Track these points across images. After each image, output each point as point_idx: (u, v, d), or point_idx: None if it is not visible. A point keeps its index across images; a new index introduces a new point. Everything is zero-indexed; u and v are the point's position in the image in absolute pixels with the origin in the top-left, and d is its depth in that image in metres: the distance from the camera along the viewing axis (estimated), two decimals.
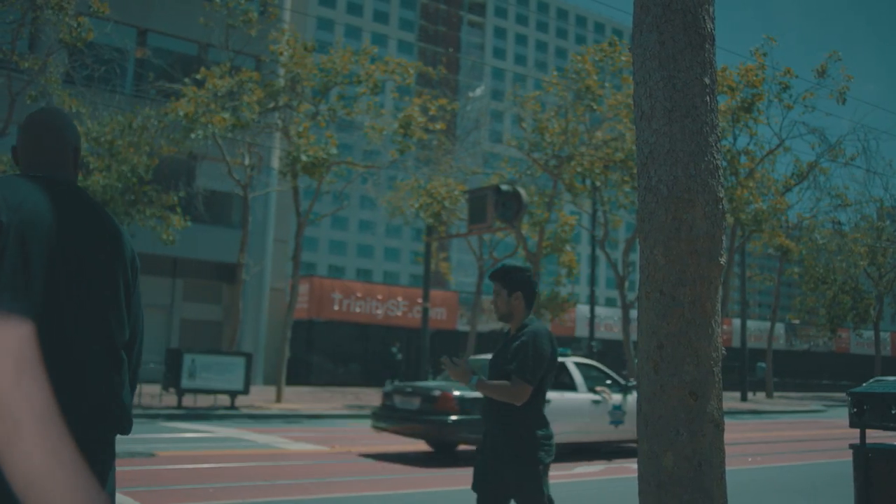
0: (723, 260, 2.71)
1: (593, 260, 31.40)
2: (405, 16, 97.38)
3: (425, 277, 25.09)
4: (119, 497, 7.68)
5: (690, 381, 2.61)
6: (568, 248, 29.66)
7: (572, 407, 12.54)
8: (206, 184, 25.81)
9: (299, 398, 23.66)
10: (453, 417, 11.34)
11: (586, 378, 13.11)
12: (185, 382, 18.12)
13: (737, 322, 40.71)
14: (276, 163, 26.54)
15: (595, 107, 25.16)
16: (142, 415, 16.74)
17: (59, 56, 19.44)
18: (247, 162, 22.68)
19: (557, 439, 13.06)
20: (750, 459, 13.17)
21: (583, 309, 38.12)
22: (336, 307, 33.12)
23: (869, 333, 46.68)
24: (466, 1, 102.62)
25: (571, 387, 12.85)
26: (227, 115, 20.11)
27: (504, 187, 20.41)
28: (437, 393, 11.63)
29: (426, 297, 24.72)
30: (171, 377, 18.38)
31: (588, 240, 36.34)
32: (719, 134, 2.78)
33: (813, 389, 48.21)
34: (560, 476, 10.67)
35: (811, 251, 40.58)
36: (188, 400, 18.96)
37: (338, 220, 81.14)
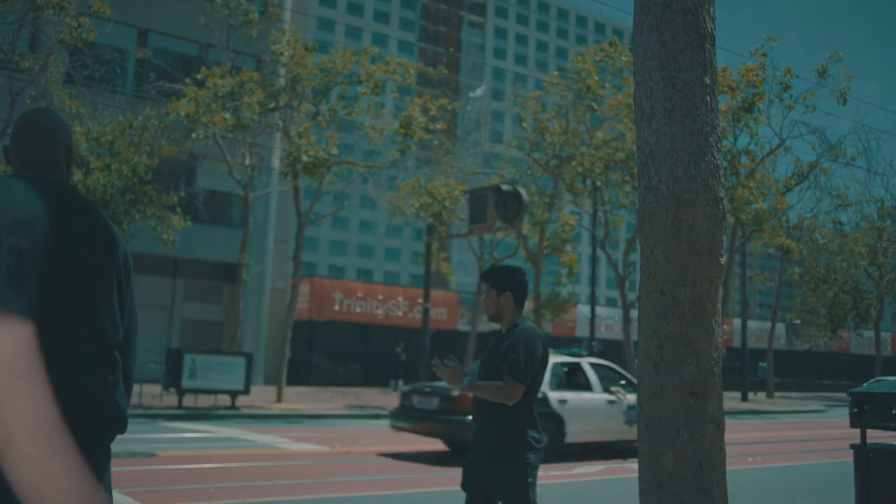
0: (723, 260, 2.71)
1: (594, 260, 31.40)
2: (406, 16, 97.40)
3: (426, 277, 25.09)
4: (120, 497, 7.68)
5: (691, 381, 2.62)
6: (568, 248, 29.66)
7: (588, 407, 12.65)
8: (206, 184, 25.81)
9: (300, 398, 23.66)
10: (469, 417, 11.34)
11: (601, 378, 13.21)
12: (186, 382, 18.11)
13: (737, 322, 40.70)
14: (276, 163, 26.55)
15: (595, 107, 25.15)
16: (142, 415, 16.74)
17: (60, 56, 19.45)
18: (247, 162, 22.68)
19: (575, 438, 13.09)
20: (751, 459, 13.17)
21: (583, 309, 38.11)
22: (337, 307, 33.11)
23: (869, 333, 46.67)
24: (467, 1, 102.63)
25: (587, 387, 12.99)
26: (227, 116, 20.11)
27: (504, 187, 20.42)
28: (455, 393, 11.68)
29: (427, 298, 24.72)
30: (172, 377, 18.38)
31: (589, 240, 36.35)
32: (720, 134, 2.78)
33: (813, 389, 48.20)
34: (560, 476, 10.67)
35: (812, 251, 40.57)
36: (189, 400, 18.97)
37: (338, 220, 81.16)
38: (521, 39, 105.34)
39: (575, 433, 12.38)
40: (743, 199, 27.67)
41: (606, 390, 13.00)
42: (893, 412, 4.60)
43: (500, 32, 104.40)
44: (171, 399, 19.08)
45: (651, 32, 2.76)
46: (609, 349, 35.44)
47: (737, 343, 39.12)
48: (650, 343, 2.69)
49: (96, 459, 1.96)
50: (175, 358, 18.46)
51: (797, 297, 49.50)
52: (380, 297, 34.68)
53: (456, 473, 10.54)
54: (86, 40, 18.10)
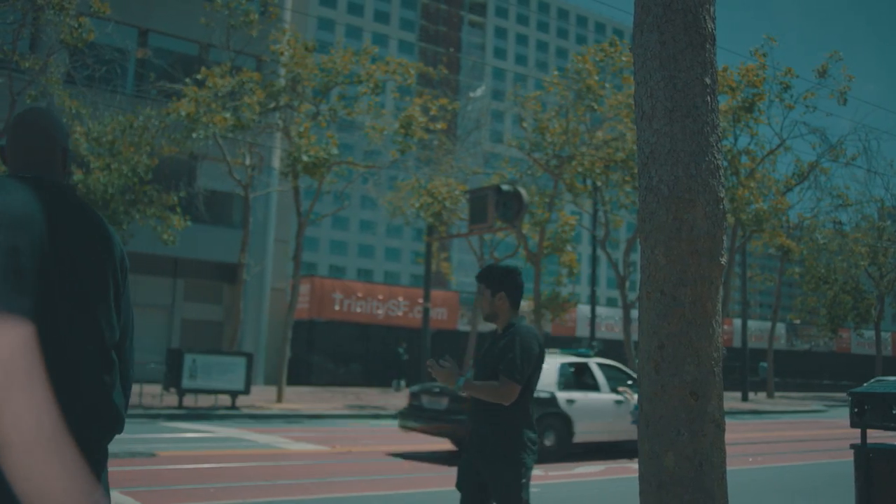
0: (723, 260, 2.71)
1: (594, 260, 31.40)
2: (406, 16, 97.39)
3: (426, 277, 25.10)
4: (120, 497, 7.68)
5: (691, 381, 2.61)
6: (569, 248, 29.65)
7: (596, 407, 12.73)
8: (206, 184, 25.81)
9: (300, 398, 23.66)
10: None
11: (608, 378, 13.28)
12: (186, 382, 18.12)
13: (738, 322, 40.69)
14: (276, 163, 26.55)
15: (596, 107, 25.16)
16: (143, 415, 16.74)
17: (60, 56, 19.44)
18: (248, 162, 22.68)
19: (583, 438, 13.16)
20: (751, 459, 13.17)
21: (584, 309, 38.11)
22: (337, 307, 33.11)
23: (870, 333, 46.67)
24: (467, 1, 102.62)
25: (595, 387, 13.09)
26: (227, 115, 20.11)
27: (505, 187, 20.42)
28: (465, 393, 11.65)
29: (427, 298, 24.73)
30: (172, 377, 18.38)
31: (589, 240, 36.35)
32: (720, 134, 2.78)
33: (814, 389, 48.19)
34: (561, 476, 10.67)
35: (812, 251, 40.56)
36: (189, 400, 18.97)
37: (338, 220, 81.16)
38: (522, 39, 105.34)
39: (583, 433, 12.47)
40: (743, 199, 27.67)
41: (614, 390, 13.06)
42: (894, 412, 4.60)
43: (501, 32, 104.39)
44: (172, 399, 19.08)
45: (651, 32, 2.76)
46: (609, 349, 35.42)
47: (737, 343, 39.11)
48: (650, 343, 2.69)
49: (94, 459, 1.96)
50: (175, 358, 18.46)
51: (797, 297, 49.49)
52: (380, 297, 34.68)
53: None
54: (86, 40, 18.10)
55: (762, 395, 39.28)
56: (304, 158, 20.59)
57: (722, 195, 2.71)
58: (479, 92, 79.43)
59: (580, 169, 25.36)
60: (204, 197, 24.99)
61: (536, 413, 12.07)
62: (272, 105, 21.45)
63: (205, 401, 19.41)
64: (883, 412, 4.65)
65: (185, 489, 8.70)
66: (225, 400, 19.22)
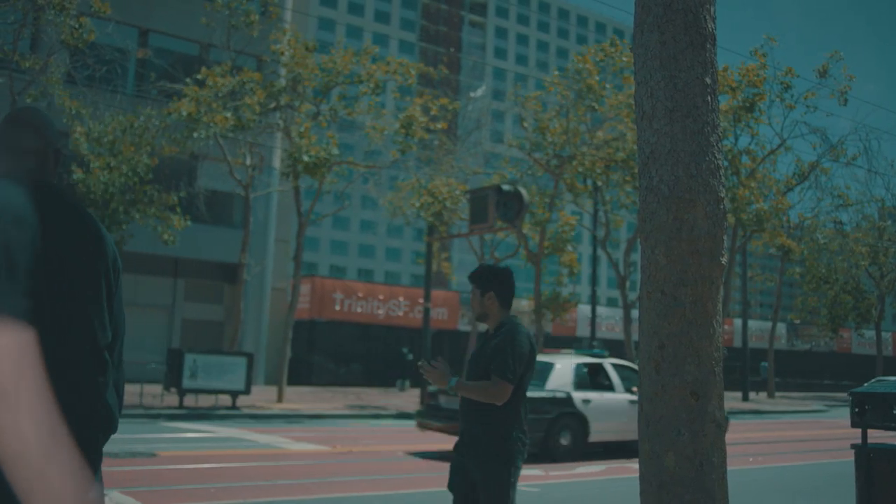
0: (724, 260, 2.71)
1: (595, 260, 31.39)
2: (406, 16, 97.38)
3: (427, 277, 25.09)
4: (120, 497, 7.69)
5: (692, 381, 2.61)
6: (569, 248, 29.65)
7: (611, 407, 12.81)
8: (207, 184, 25.81)
9: (301, 398, 23.66)
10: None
11: (623, 378, 13.37)
12: (187, 382, 18.12)
13: (738, 322, 40.68)
14: (277, 163, 26.55)
15: (596, 107, 25.16)
16: (143, 415, 16.75)
17: (61, 56, 19.45)
18: (248, 162, 22.68)
19: (598, 437, 13.35)
20: (751, 459, 13.17)
21: (584, 309, 38.10)
22: (337, 307, 33.11)
23: (870, 333, 46.66)
24: (467, 1, 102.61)
25: (610, 387, 13.21)
26: (228, 115, 20.11)
27: (505, 187, 20.41)
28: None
29: (427, 298, 24.72)
30: (173, 377, 18.38)
31: (589, 240, 36.35)
32: (720, 134, 2.78)
33: (814, 389, 48.19)
34: (561, 476, 10.68)
35: (812, 251, 40.54)
36: (189, 400, 18.97)
37: (339, 220, 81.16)
38: (522, 39, 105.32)
39: (598, 432, 12.59)
40: (744, 199, 27.66)
41: (628, 390, 13.13)
42: (894, 412, 4.60)
43: (501, 32, 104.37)
44: (172, 399, 19.09)
45: (652, 32, 2.76)
46: (610, 349, 35.33)
47: (738, 343, 39.10)
48: (651, 343, 2.69)
49: (89, 459, 1.96)
50: (176, 358, 18.46)
51: (798, 297, 49.47)
52: (381, 297, 34.68)
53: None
54: (87, 40, 18.11)
55: (763, 394, 39.27)
56: (305, 158, 20.59)
57: (722, 195, 2.71)
58: (479, 92, 79.43)
59: (581, 169, 25.36)
60: (204, 197, 24.99)
61: (553, 413, 12.37)
62: (273, 105, 21.46)
63: (205, 401, 19.41)
64: (884, 412, 4.65)
65: (186, 489, 8.70)
66: (225, 400, 19.22)
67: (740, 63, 26.29)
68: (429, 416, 12.75)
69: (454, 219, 27.35)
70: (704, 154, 2.68)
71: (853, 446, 4.76)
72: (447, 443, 13.06)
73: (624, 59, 24.97)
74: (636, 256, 33.74)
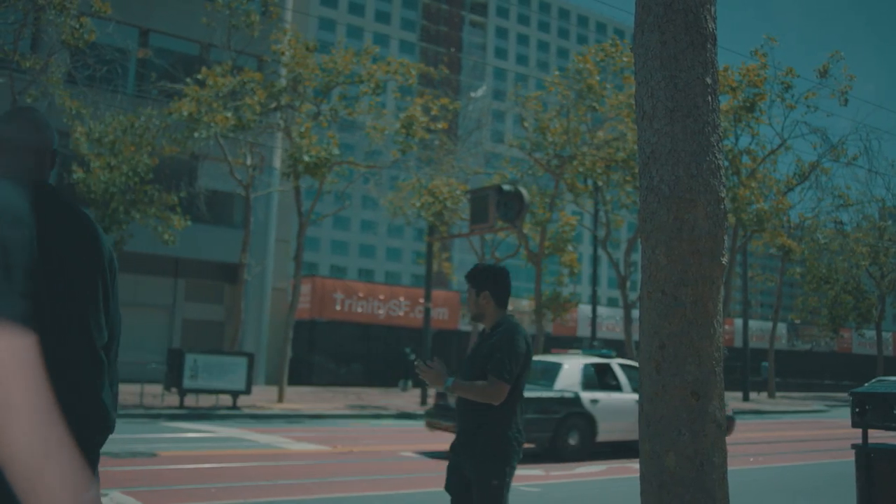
0: (725, 260, 2.71)
1: (595, 260, 31.39)
2: (407, 16, 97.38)
3: (427, 277, 25.09)
4: (121, 497, 7.70)
5: (692, 381, 2.61)
6: (570, 248, 29.65)
7: (619, 407, 12.87)
8: (208, 184, 25.81)
9: (301, 398, 23.66)
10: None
11: (630, 379, 13.47)
12: (187, 382, 18.12)
13: (739, 322, 40.67)
14: (278, 163, 26.55)
15: (597, 107, 25.16)
16: (144, 415, 16.76)
17: (61, 56, 19.45)
18: (249, 162, 22.68)
19: (606, 437, 13.51)
20: (752, 459, 13.17)
21: (585, 309, 38.10)
22: (338, 307, 33.11)
23: (871, 333, 46.66)
24: (468, 1, 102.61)
25: (617, 387, 13.32)
26: (229, 115, 20.11)
27: (506, 187, 20.41)
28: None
29: (428, 298, 24.72)
30: (173, 377, 18.38)
31: (590, 240, 36.35)
32: (721, 134, 2.78)
33: (815, 389, 48.18)
34: (562, 476, 10.68)
35: (813, 251, 40.54)
36: (190, 400, 18.98)
37: (340, 220, 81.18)
38: (523, 39, 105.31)
39: (606, 432, 12.67)
40: (744, 199, 27.66)
41: (635, 390, 13.15)
42: (895, 412, 4.60)
43: (502, 32, 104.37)
44: (173, 399, 19.09)
45: (652, 32, 2.76)
46: (610, 349, 35.44)
47: (738, 343, 39.10)
48: (652, 343, 2.69)
49: (87, 460, 1.96)
50: (176, 358, 18.46)
51: (798, 297, 49.47)
52: (381, 297, 34.68)
53: None
54: (87, 41, 18.10)
55: (763, 395, 39.27)
56: (306, 158, 20.59)
57: (723, 195, 2.71)
58: (480, 92, 79.43)
59: (581, 169, 25.36)
60: (205, 197, 24.99)
61: (562, 412, 12.45)
62: (273, 105, 21.46)
63: (206, 401, 19.41)
64: (884, 412, 4.65)
65: (187, 489, 8.70)
66: (226, 400, 19.22)
67: (741, 63, 26.30)
68: (438, 415, 12.77)
69: (455, 219, 27.36)
70: (705, 154, 2.68)
71: (854, 446, 4.76)
72: (448, 443, 13.10)
73: (624, 59, 24.97)
74: (637, 256, 33.72)
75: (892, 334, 52.70)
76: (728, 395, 23.51)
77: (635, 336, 26.70)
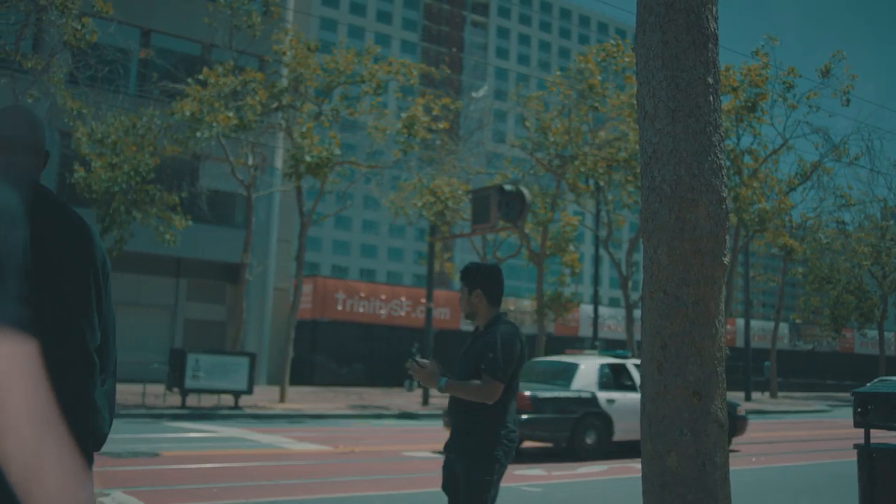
0: (726, 260, 2.71)
1: (597, 260, 31.36)
2: (408, 16, 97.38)
3: (429, 277, 25.09)
4: (124, 496, 7.70)
5: (694, 381, 2.61)
6: (571, 248, 29.63)
7: (634, 406, 12.85)
8: (209, 184, 25.82)
9: (303, 398, 23.67)
10: (525, 416, 11.93)
11: None
12: (189, 382, 18.13)
13: (741, 322, 40.64)
14: (279, 163, 26.55)
15: (598, 107, 25.15)
16: (146, 414, 16.77)
17: (63, 56, 19.46)
18: (250, 162, 22.69)
19: (622, 436, 13.71)
20: (754, 459, 13.16)
21: (586, 309, 38.08)
22: (340, 307, 33.12)
23: (873, 333, 46.60)
24: (469, 1, 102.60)
25: (633, 387, 13.40)
26: (230, 115, 20.11)
27: (507, 187, 20.40)
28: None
29: (430, 297, 24.72)
30: (175, 377, 18.39)
31: (591, 240, 36.34)
32: (723, 134, 2.78)
33: (817, 389, 48.13)
34: (563, 476, 10.67)
35: (815, 251, 40.50)
36: (192, 400, 18.98)
37: (341, 220, 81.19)
38: (524, 39, 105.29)
39: (622, 431, 12.79)
40: (746, 199, 27.63)
41: None
42: None
43: (503, 32, 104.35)
44: (175, 399, 19.10)
45: (654, 32, 2.76)
46: (612, 349, 35.42)
47: (740, 343, 39.06)
48: (653, 343, 2.69)
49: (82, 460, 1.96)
50: (178, 358, 18.47)
51: (800, 296, 49.43)
52: (383, 297, 34.68)
53: None
54: (89, 41, 18.10)
55: (765, 395, 39.24)
56: (307, 159, 20.59)
57: (725, 195, 2.71)
58: (481, 92, 79.39)
59: (583, 169, 25.35)
60: (207, 197, 25.00)
61: (579, 412, 12.62)
62: (275, 105, 21.46)
63: (208, 401, 19.42)
64: (886, 412, 4.65)
65: (189, 489, 8.71)
66: (228, 400, 19.23)
67: (742, 63, 26.29)
68: None
69: (456, 219, 27.35)
70: (707, 154, 2.68)
71: (856, 446, 4.76)
72: None
73: (626, 58, 24.96)
74: (638, 256, 33.74)
75: (894, 334, 52.63)
76: (730, 395, 23.55)
77: (637, 336, 26.71)
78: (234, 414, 17.93)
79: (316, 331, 32.60)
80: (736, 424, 14.83)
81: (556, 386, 12.93)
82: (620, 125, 25.05)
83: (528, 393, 12.29)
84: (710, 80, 2.73)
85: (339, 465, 11.18)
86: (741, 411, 15.43)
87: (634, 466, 11.05)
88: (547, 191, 28.72)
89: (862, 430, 4.76)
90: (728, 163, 26.49)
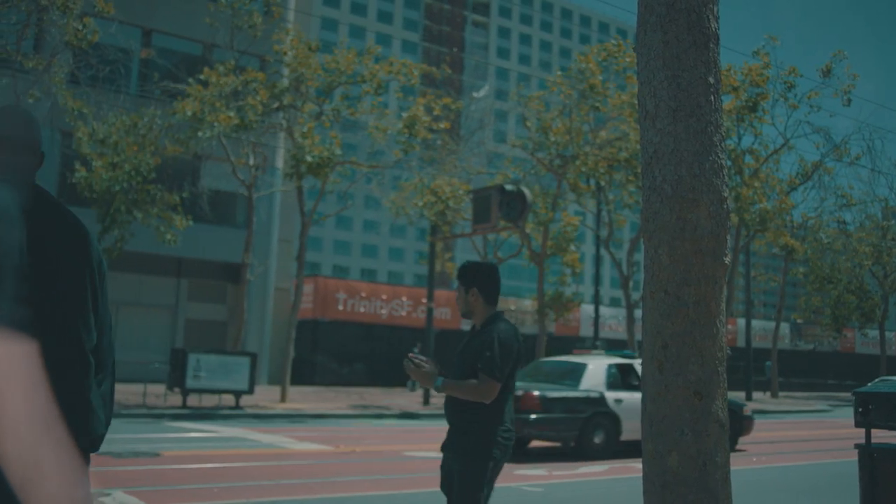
0: (727, 259, 2.71)
1: (598, 259, 31.37)
2: (409, 16, 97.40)
3: (430, 277, 25.10)
4: (124, 496, 7.71)
5: (695, 381, 2.61)
6: (572, 247, 29.62)
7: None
8: (210, 184, 25.83)
9: (304, 398, 23.67)
10: (534, 416, 12.17)
11: None
12: (190, 382, 18.13)
13: (742, 322, 40.63)
14: (280, 163, 26.55)
15: (599, 106, 25.14)
16: (147, 414, 16.78)
17: (64, 56, 19.46)
18: (251, 162, 22.70)
19: (630, 436, 13.91)
20: (755, 459, 13.16)
21: (587, 308, 38.07)
22: (340, 307, 33.13)
23: (874, 333, 46.58)
24: (470, 1, 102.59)
25: (640, 388, 13.23)
26: (232, 114, 20.12)
27: (508, 187, 20.40)
28: (519, 393, 12.33)
29: (430, 297, 24.72)
30: (176, 377, 18.39)
31: (592, 239, 36.33)
32: (724, 133, 2.78)
33: (818, 389, 48.11)
34: (564, 476, 10.67)
35: (816, 251, 40.49)
36: (193, 400, 18.99)
37: (342, 219, 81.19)
38: (525, 39, 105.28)
39: (630, 431, 12.85)
40: (747, 199, 27.62)
41: None
42: None
43: (504, 32, 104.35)
44: (176, 399, 19.11)
45: (655, 32, 2.76)
46: (613, 349, 35.40)
47: (741, 343, 39.06)
48: (654, 343, 2.69)
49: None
50: (179, 358, 18.47)
51: (801, 296, 49.41)
52: (384, 296, 34.68)
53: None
54: (90, 41, 18.11)
55: (766, 394, 39.23)
56: (308, 158, 20.60)
57: (725, 195, 2.71)
58: (482, 92, 79.38)
59: (584, 169, 25.34)
60: (208, 197, 25.00)
61: (587, 412, 12.73)
62: (276, 105, 21.47)
63: (209, 400, 19.43)
64: (887, 412, 4.65)
65: (190, 489, 8.71)
66: (229, 400, 19.23)
67: (742, 63, 26.28)
68: None
69: (457, 219, 27.34)
70: (708, 154, 2.68)
71: (857, 446, 4.76)
72: None
73: (627, 58, 24.96)
74: (639, 256, 33.73)
75: (895, 334, 52.61)
76: (731, 394, 23.55)
77: (638, 336, 26.70)
78: (235, 414, 17.94)
79: (317, 331, 32.60)
80: (742, 424, 14.87)
81: (564, 386, 13.05)
82: (621, 125, 25.04)
83: (537, 393, 12.42)
84: (712, 80, 2.73)
85: (340, 465, 11.18)
86: (747, 411, 15.47)
87: (635, 466, 11.05)
88: (548, 191, 28.71)
89: (863, 430, 4.76)
90: (729, 163, 26.50)
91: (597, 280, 31.51)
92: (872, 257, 40.66)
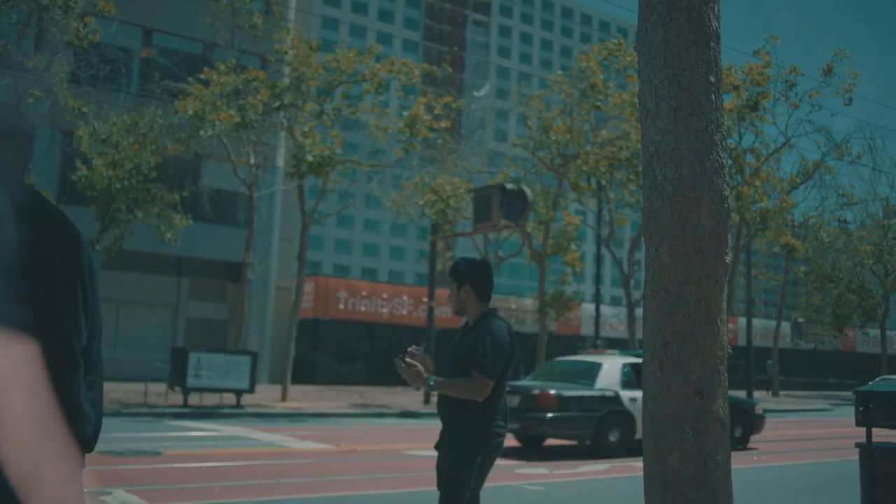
0: (728, 258, 2.71)
1: (598, 258, 31.35)
2: (410, 15, 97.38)
3: (430, 276, 25.10)
4: (125, 495, 7.71)
5: (696, 380, 2.61)
6: (573, 246, 29.60)
7: None
8: (211, 183, 25.84)
9: (305, 397, 23.68)
10: (550, 414, 12.31)
11: None
12: (191, 381, 18.14)
13: (742, 321, 40.62)
14: (281, 162, 26.56)
15: (600, 105, 25.12)
16: (148, 413, 16.79)
17: (65, 55, 19.47)
18: (252, 161, 22.70)
19: (639, 435, 13.68)
20: (756, 458, 13.16)
21: (588, 307, 38.07)
22: (341, 306, 33.13)
23: (875, 332, 46.57)
24: (471, 0, 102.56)
25: None
26: (232, 113, 20.12)
27: (509, 186, 20.41)
28: (536, 392, 12.65)
29: (431, 296, 24.73)
30: (177, 376, 18.40)
31: (593, 238, 36.34)
32: (724, 132, 2.78)
33: (819, 388, 48.09)
34: (565, 475, 10.68)
35: (817, 250, 40.47)
36: (194, 398, 19.00)
37: (343, 218, 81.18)
38: (526, 38, 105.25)
39: (639, 430, 12.80)
40: (748, 198, 27.59)
41: None
42: None
43: (505, 31, 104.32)
44: (177, 398, 19.12)
45: (656, 31, 2.76)
46: (614, 348, 35.36)
47: (742, 342, 39.03)
48: (655, 341, 2.69)
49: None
50: (180, 357, 18.49)
51: (802, 295, 49.39)
52: (384, 295, 34.68)
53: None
54: (91, 40, 18.11)
55: (767, 393, 39.21)
56: (309, 158, 20.60)
57: (726, 193, 2.71)
58: (483, 91, 79.36)
59: (584, 167, 25.33)
60: (208, 196, 25.01)
61: (603, 411, 12.83)
62: (276, 104, 21.46)
63: (210, 399, 19.44)
64: (888, 411, 4.65)
65: (191, 487, 8.71)
66: (230, 398, 19.24)
67: (744, 62, 26.25)
68: None
69: (458, 217, 27.34)
70: (708, 152, 2.68)
71: (858, 445, 4.76)
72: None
73: (627, 57, 24.93)
74: (640, 255, 33.73)
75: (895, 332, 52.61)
76: (738, 393, 23.50)
77: (639, 335, 26.71)
78: (235, 413, 17.95)
79: (318, 329, 32.61)
80: (754, 423, 14.92)
81: (580, 385, 13.16)
82: (622, 124, 25.03)
83: (553, 391, 12.55)
84: (712, 79, 2.72)
85: (341, 464, 11.19)
86: (759, 410, 15.51)
87: (636, 465, 11.05)
88: (548, 189, 28.70)
89: (864, 429, 4.76)
90: (730, 161, 26.53)
91: (598, 279, 31.51)
92: (873, 256, 40.64)
